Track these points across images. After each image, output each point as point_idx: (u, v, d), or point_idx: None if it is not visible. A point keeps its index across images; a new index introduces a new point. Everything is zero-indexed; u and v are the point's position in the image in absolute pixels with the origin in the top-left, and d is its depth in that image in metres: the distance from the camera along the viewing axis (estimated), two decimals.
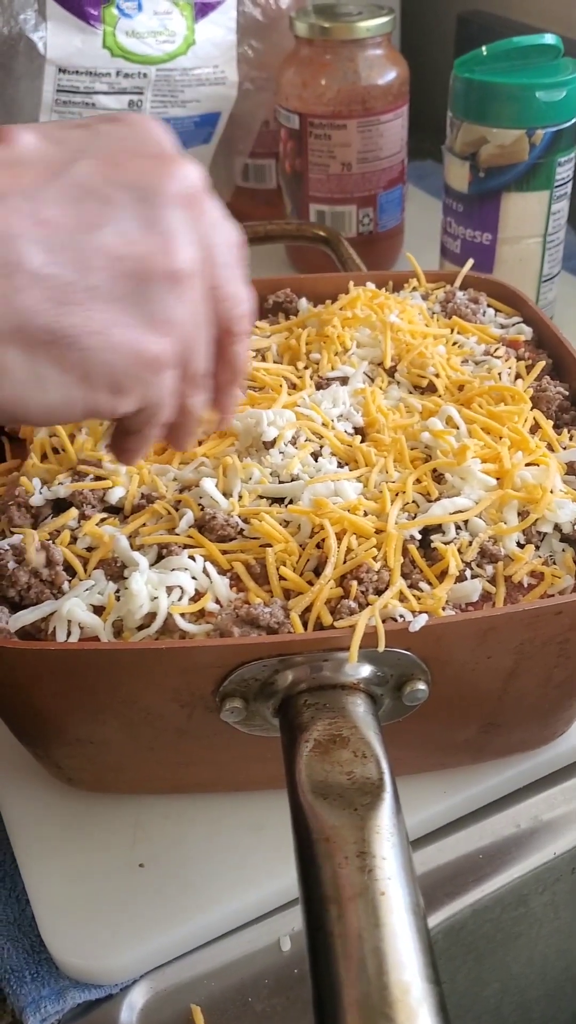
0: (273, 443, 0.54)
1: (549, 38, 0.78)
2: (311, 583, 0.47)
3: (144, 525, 0.51)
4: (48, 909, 0.49)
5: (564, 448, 0.54)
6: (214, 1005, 0.47)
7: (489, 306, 0.69)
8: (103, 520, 0.51)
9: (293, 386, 0.60)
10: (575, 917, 0.57)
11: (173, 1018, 0.47)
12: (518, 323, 0.67)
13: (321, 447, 0.55)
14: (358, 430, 0.57)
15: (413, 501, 0.51)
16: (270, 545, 0.48)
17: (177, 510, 0.51)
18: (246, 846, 0.51)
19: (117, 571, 0.48)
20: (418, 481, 0.52)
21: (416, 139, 1.00)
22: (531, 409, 0.56)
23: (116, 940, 0.47)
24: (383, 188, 0.96)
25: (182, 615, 0.45)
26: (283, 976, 0.48)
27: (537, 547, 0.49)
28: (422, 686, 0.44)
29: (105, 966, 0.47)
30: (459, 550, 0.48)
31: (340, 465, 0.54)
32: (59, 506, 0.53)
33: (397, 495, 0.50)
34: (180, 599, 0.46)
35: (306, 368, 0.62)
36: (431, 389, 0.60)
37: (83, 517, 0.51)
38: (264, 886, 0.50)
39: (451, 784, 0.53)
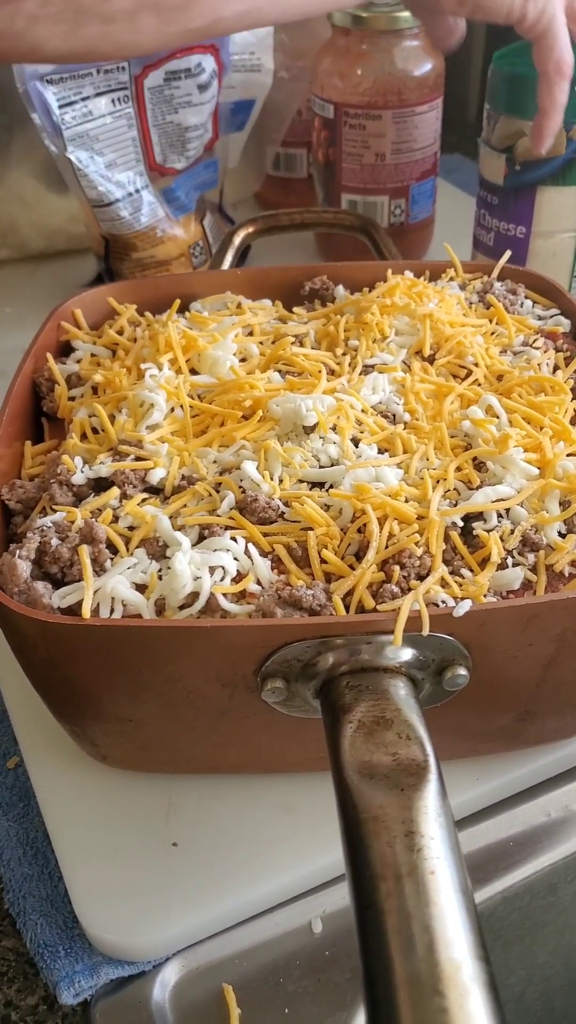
0: (313, 428, 0.54)
1: None
2: (352, 567, 0.47)
3: (185, 506, 0.51)
4: (82, 886, 0.49)
5: None
6: (246, 984, 0.47)
7: (526, 298, 0.69)
8: (144, 500, 0.51)
9: (332, 372, 0.60)
10: None
11: (205, 996, 0.47)
12: (556, 315, 0.67)
13: (361, 433, 0.55)
14: (396, 417, 0.57)
15: (454, 488, 0.51)
16: (311, 529, 0.48)
17: (218, 492, 0.51)
18: (279, 827, 0.51)
19: (159, 551, 0.48)
20: (459, 469, 0.52)
21: (445, 132, 1.00)
22: (571, 400, 0.56)
23: (149, 918, 0.48)
24: (416, 179, 0.96)
25: (224, 595, 0.46)
26: (314, 958, 0.48)
27: None
28: (463, 671, 0.45)
29: (138, 943, 0.47)
30: (500, 538, 0.48)
31: (380, 451, 0.54)
32: (100, 485, 0.53)
33: (438, 482, 0.51)
34: (222, 579, 0.46)
35: (344, 355, 0.62)
36: (468, 379, 0.60)
37: (125, 497, 0.51)
38: (296, 868, 0.50)
39: (484, 771, 0.53)
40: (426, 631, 0.43)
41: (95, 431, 0.57)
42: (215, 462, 0.54)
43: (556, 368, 0.61)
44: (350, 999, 0.47)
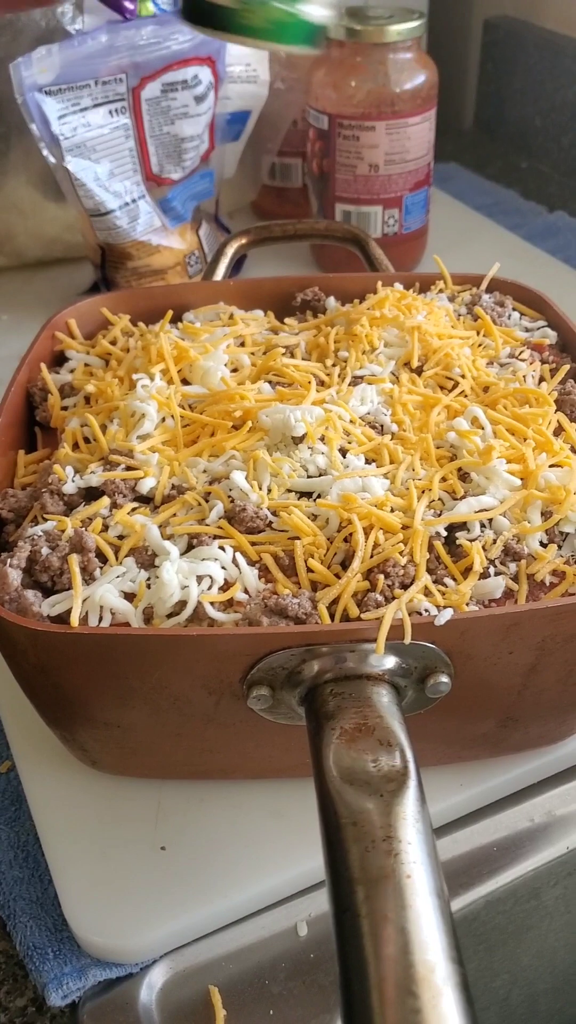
0: (302, 439, 0.55)
1: None
2: (338, 576, 0.48)
3: (174, 515, 0.52)
4: (71, 888, 0.50)
5: None
6: (232, 987, 0.48)
7: (514, 309, 0.70)
8: (134, 510, 0.52)
9: (321, 383, 0.61)
10: None
11: (191, 998, 0.48)
12: (543, 327, 0.68)
13: (349, 443, 0.56)
14: (384, 428, 0.58)
15: (439, 499, 0.52)
16: (298, 538, 0.49)
17: (207, 502, 0.52)
18: (265, 832, 0.52)
19: (148, 559, 0.49)
20: (444, 479, 0.53)
21: (439, 142, 1.01)
22: (555, 412, 0.57)
23: (137, 920, 0.49)
24: (409, 190, 0.97)
25: (212, 604, 0.46)
26: (300, 960, 0.49)
27: (559, 547, 0.50)
28: (445, 679, 0.45)
29: (126, 945, 0.48)
30: (483, 547, 0.49)
31: (367, 462, 0.55)
32: (91, 494, 0.54)
33: (423, 492, 0.51)
34: (210, 588, 0.47)
35: (334, 366, 0.63)
36: (455, 390, 0.60)
37: (115, 506, 0.52)
38: (282, 872, 0.51)
39: (467, 777, 0.54)
40: (408, 639, 0.44)
41: (87, 440, 0.58)
42: (205, 472, 0.54)
43: (542, 380, 0.62)
44: (334, 1001, 0.48)
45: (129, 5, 0.87)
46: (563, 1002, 0.61)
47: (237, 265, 0.88)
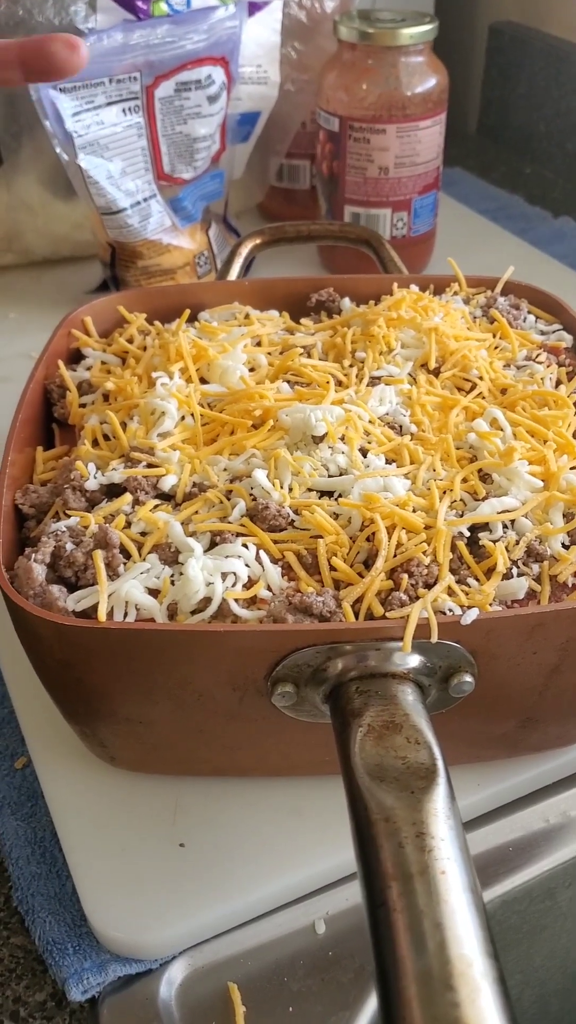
0: (322, 438, 0.55)
1: None
2: (360, 575, 0.48)
3: (196, 513, 0.52)
4: (90, 884, 0.50)
5: None
6: (250, 983, 0.48)
7: (529, 312, 0.70)
8: (156, 507, 0.52)
9: (339, 383, 0.61)
10: None
11: (210, 995, 0.48)
12: (559, 330, 0.68)
13: (369, 443, 0.56)
14: (403, 428, 0.58)
15: (460, 499, 0.52)
16: (321, 536, 0.49)
17: (229, 500, 0.52)
18: (284, 830, 0.52)
19: (171, 556, 0.49)
20: (465, 480, 0.53)
21: (446, 146, 1.01)
22: (574, 414, 0.57)
23: (156, 916, 0.49)
24: (418, 193, 0.97)
25: (236, 601, 0.47)
26: (318, 958, 0.49)
27: None
28: (469, 678, 0.46)
29: (146, 941, 0.48)
30: (506, 548, 0.49)
31: (387, 462, 0.55)
32: (112, 491, 0.54)
33: (445, 493, 0.52)
34: (234, 585, 0.47)
35: (351, 366, 0.63)
36: (473, 392, 0.61)
37: (137, 503, 0.52)
38: (301, 870, 0.51)
39: (485, 777, 0.54)
40: (435, 638, 0.44)
41: (106, 438, 0.58)
42: (225, 470, 0.55)
43: (559, 383, 0.62)
44: (353, 998, 0.48)
45: (142, 4, 0.87)
46: (574, 1003, 0.61)
47: (246, 267, 0.88)
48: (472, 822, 0.55)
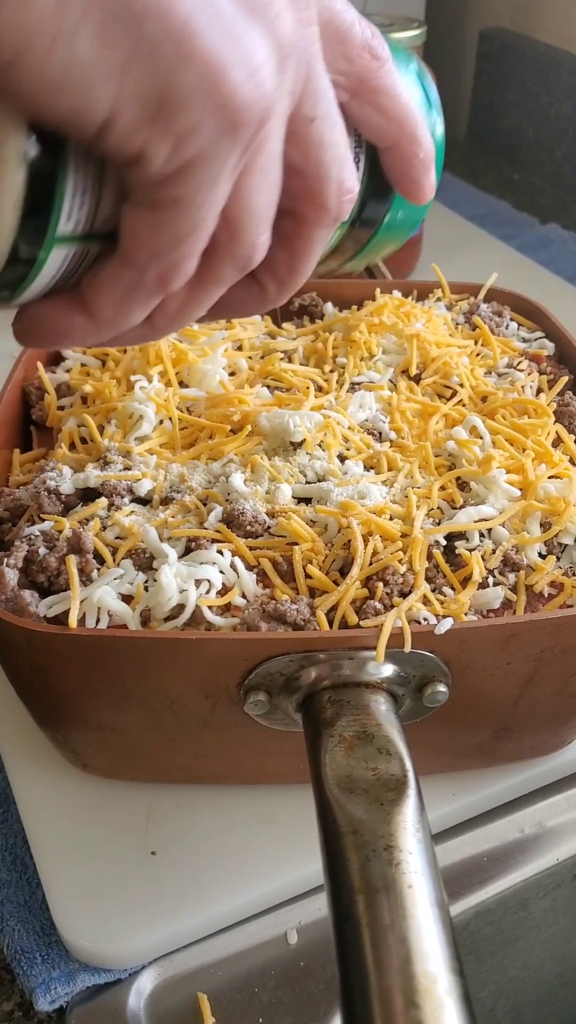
0: (301, 444, 0.55)
1: None
2: (336, 583, 0.48)
3: (172, 518, 0.51)
4: (60, 892, 0.49)
5: None
6: (221, 994, 0.48)
7: (512, 320, 0.70)
8: (131, 512, 0.52)
9: (319, 388, 0.61)
10: (573, 923, 0.58)
11: (180, 1005, 0.47)
12: (540, 338, 0.68)
13: (347, 450, 0.55)
14: (382, 435, 0.58)
15: (438, 507, 0.52)
16: (297, 544, 0.49)
17: (205, 505, 0.52)
18: (257, 839, 0.52)
19: (146, 562, 0.49)
20: (443, 488, 0.52)
21: None
22: (554, 423, 0.57)
23: (126, 925, 0.48)
24: None
25: (210, 608, 0.46)
26: (289, 968, 0.49)
27: (558, 558, 0.50)
28: (443, 688, 0.45)
29: (115, 950, 0.48)
30: (482, 557, 0.49)
31: (366, 469, 0.55)
32: (88, 495, 0.54)
33: (422, 500, 0.51)
34: (208, 592, 0.47)
35: (332, 372, 0.63)
36: (453, 399, 0.61)
37: (112, 507, 0.52)
38: (273, 879, 0.50)
39: (460, 787, 0.54)
40: (408, 648, 0.43)
41: (84, 441, 0.58)
42: (203, 475, 0.54)
43: (539, 391, 0.62)
44: (324, 1009, 0.48)
45: None
46: (547, 1014, 0.61)
47: None
48: (447, 832, 0.54)
